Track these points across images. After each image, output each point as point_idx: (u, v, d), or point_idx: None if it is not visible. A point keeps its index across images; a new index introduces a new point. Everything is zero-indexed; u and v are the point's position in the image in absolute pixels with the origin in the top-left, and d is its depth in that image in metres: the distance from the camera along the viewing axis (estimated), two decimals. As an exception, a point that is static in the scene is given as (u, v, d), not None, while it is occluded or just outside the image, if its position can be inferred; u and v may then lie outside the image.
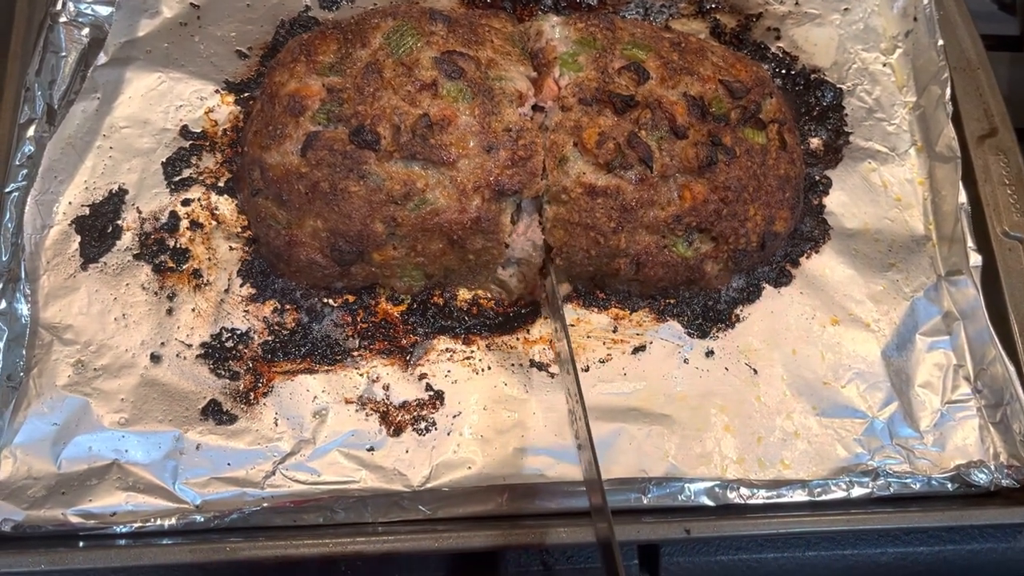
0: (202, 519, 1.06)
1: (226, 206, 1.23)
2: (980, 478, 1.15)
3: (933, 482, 1.15)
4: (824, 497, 1.14)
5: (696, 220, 1.15)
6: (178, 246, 1.20)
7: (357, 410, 1.14)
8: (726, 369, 1.20)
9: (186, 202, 1.22)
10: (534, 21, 1.26)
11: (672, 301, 1.23)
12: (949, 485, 1.15)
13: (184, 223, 1.21)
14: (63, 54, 1.24)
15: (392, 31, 1.16)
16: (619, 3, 1.37)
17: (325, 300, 1.19)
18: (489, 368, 1.17)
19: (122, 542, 1.05)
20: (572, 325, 1.21)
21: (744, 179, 1.17)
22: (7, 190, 1.17)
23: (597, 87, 1.15)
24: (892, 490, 1.14)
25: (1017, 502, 1.14)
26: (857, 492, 1.14)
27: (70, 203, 1.20)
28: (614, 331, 1.21)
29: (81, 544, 1.05)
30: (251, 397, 1.13)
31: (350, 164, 1.11)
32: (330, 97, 1.13)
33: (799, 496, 1.14)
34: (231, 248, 1.21)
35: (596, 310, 1.22)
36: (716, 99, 1.18)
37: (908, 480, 1.15)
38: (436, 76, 1.13)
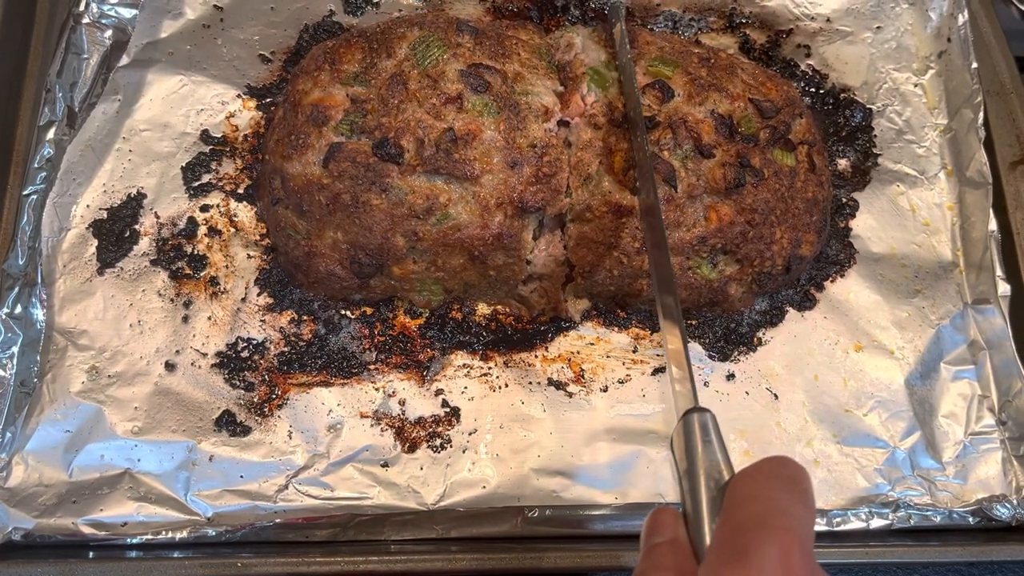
0: (213, 533, 1.05)
1: (245, 213, 1.21)
2: (1002, 513, 1.13)
3: (954, 515, 1.13)
4: (843, 527, 1.12)
5: (722, 242, 1.14)
6: (195, 252, 1.18)
7: (372, 425, 1.12)
8: (747, 393, 1.18)
9: (205, 208, 1.21)
10: (564, 32, 1.24)
11: (694, 323, 1.21)
12: (970, 519, 1.13)
13: (202, 229, 1.20)
14: (85, 56, 1.23)
15: (418, 42, 1.14)
16: (648, 16, 1.35)
17: (343, 312, 1.18)
18: (506, 385, 1.16)
19: (132, 554, 1.04)
20: (591, 344, 1.19)
21: (772, 201, 1.15)
22: (25, 193, 1.16)
23: (624, 107, 1.13)
24: (912, 522, 1.12)
25: (1038, 538, 1.12)
26: (876, 523, 1.12)
27: (88, 206, 1.18)
28: (634, 351, 1.19)
29: (91, 555, 1.04)
30: (266, 409, 1.12)
31: (372, 177, 1.09)
32: (354, 108, 1.12)
33: (818, 526, 1.12)
34: (249, 256, 1.19)
35: (616, 329, 1.20)
36: (745, 118, 1.16)
37: (929, 512, 1.13)
38: (461, 89, 1.11)
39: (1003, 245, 1.23)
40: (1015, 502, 1.13)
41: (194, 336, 1.15)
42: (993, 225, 1.23)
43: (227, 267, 1.18)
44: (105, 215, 1.18)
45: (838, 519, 1.12)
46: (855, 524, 1.12)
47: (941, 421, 1.17)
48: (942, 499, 1.13)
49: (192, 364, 1.13)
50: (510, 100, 1.11)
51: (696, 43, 1.29)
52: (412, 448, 1.11)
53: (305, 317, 1.17)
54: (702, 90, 1.16)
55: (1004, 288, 1.21)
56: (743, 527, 0.63)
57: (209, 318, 1.16)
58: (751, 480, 0.67)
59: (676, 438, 0.76)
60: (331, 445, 1.10)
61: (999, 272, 1.21)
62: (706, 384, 1.18)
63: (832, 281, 1.25)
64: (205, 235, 1.20)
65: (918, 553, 1.10)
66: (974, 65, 1.31)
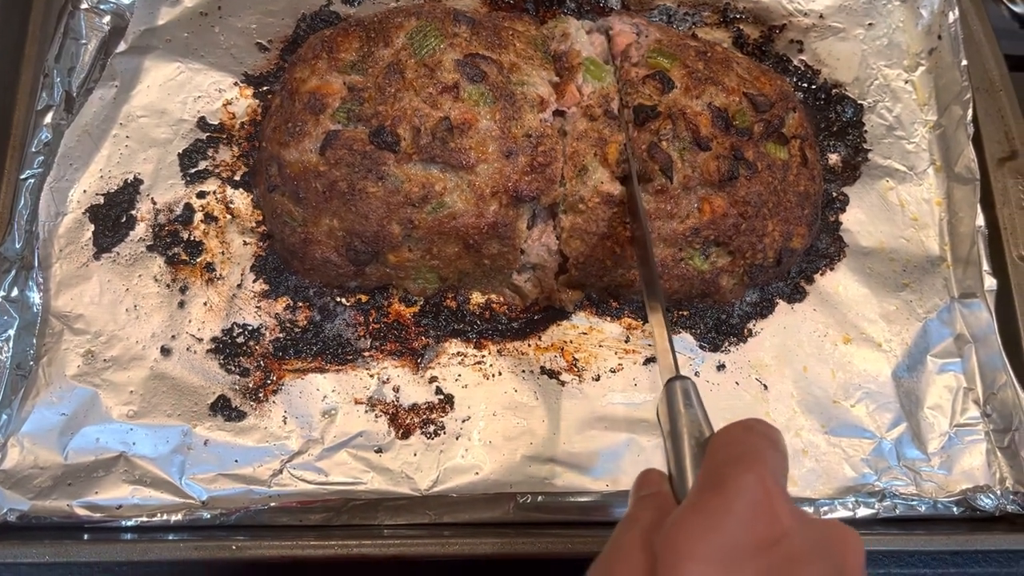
0: (208, 516, 1.06)
1: (241, 200, 1.22)
2: (986, 503, 1.15)
3: (939, 505, 1.15)
4: (830, 516, 1.13)
5: (714, 234, 1.15)
6: (192, 239, 1.19)
7: (367, 411, 1.13)
8: (736, 384, 1.19)
9: (201, 194, 1.21)
10: (559, 22, 1.25)
11: (685, 313, 1.22)
12: (955, 509, 1.15)
13: (199, 216, 1.20)
14: (83, 41, 1.23)
15: (415, 31, 1.15)
16: (643, 9, 1.36)
17: (338, 299, 1.19)
18: (500, 374, 1.17)
19: (127, 536, 1.05)
20: (584, 334, 1.20)
21: (764, 194, 1.16)
22: (23, 177, 1.16)
23: (621, 98, 1.14)
24: (898, 512, 1.14)
25: (1021, 528, 1.14)
26: (863, 513, 1.14)
27: (84, 191, 1.19)
28: (626, 341, 1.20)
29: (86, 537, 1.04)
30: (260, 394, 1.12)
31: (369, 165, 1.10)
32: (351, 96, 1.12)
33: (805, 515, 1.13)
34: (245, 243, 1.20)
35: (609, 319, 1.22)
36: (740, 112, 1.18)
37: (914, 502, 1.15)
38: (458, 79, 1.12)
39: (990, 240, 1.25)
40: (999, 493, 1.15)
41: (190, 321, 1.15)
42: (980, 220, 1.25)
43: (223, 253, 1.19)
44: (102, 200, 1.19)
45: (825, 508, 1.14)
46: (842, 513, 1.14)
47: (927, 413, 1.19)
48: (927, 489, 1.15)
49: (188, 349, 1.14)
50: (506, 90, 1.12)
51: (692, 37, 1.30)
52: (406, 434, 1.12)
53: (300, 304, 1.18)
54: (699, 83, 1.17)
55: (990, 282, 1.22)
56: (721, 464, 0.69)
57: (205, 304, 1.16)
58: (728, 431, 0.74)
59: (660, 405, 0.82)
60: (325, 430, 1.11)
61: (986, 267, 1.23)
62: (697, 374, 1.19)
63: (822, 274, 1.26)
64: (201, 221, 1.20)
65: (904, 541, 1.11)
66: (964, 62, 1.33)
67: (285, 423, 1.11)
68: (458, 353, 1.18)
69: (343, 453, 1.10)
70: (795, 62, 1.38)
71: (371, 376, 1.15)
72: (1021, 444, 1.16)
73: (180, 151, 1.23)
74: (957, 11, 1.36)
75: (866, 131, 1.35)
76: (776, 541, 0.64)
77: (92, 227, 1.18)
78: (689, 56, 1.21)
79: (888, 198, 1.31)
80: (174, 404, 1.11)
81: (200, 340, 1.15)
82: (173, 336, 1.14)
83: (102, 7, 1.25)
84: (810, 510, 1.13)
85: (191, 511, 1.06)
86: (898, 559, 1.16)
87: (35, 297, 1.13)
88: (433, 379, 1.16)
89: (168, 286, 1.17)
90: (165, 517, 1.06)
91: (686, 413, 0.79)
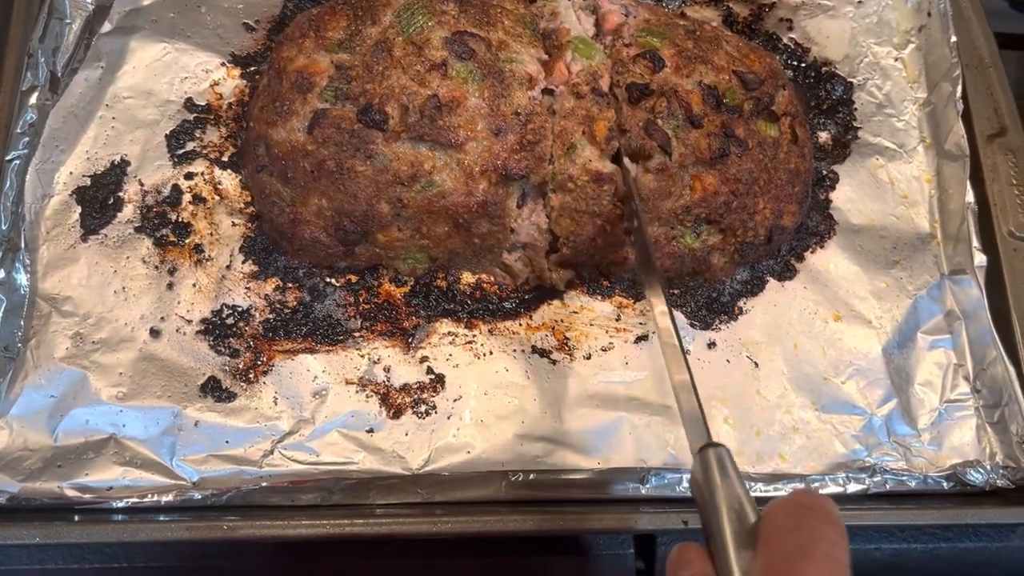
0: (199, 496, 1.06)
1: (230, 181, 1.21)
2: (976, 478, 1.15)
3: (929, 480, 1.15)
4: (821, 492, 1.14)
5: (706, 212, 1.15)
6: (180, 220, 1.18)
7: (357, 391, 1.13)
8: (727, 361, 1.19)
9: (189, 176, 1.21)
10: (548, 1, 1.24)
11: (676, 292, 1.22)
12: (945, 484, 1.15)
13: (187, 197, 1.20)
14: (67, 21, 1.22)
15: (403, 9, 1.14)
16: (632, -12, 1.36)
17: (328, 280, 1.18)
18: (491, 353, 1.17)
19: (118, 517, 1.04)
20: (575, 312, 1.20)
21: (755, 172, 1.16)
22: (8, 158, 1.15)
23: (611, 77, 1.14)
24: (888, 487, 1.14)
25: (1012, 502, 1.14)
26: (853, 488, 1.14)
27: (71, 173, 1.18)
28: (617, 319, 1.20)
29: (76, 518, 1.04)
30: (251, 375, 1.12)
31: (357, 143, 1.09)
32: (338, 74, 1.12)
33: (796, 491, 1.14)
34: (234, 224, 1.19)
35: (600, 298, 1.22)
36: (730, 90, 1.17)
37: (904, 478, 1.15)
38: (446, 56, 1.11)
39: (980, 216, 1.25)
40: (988, 467, 1.15)
41: (179, 303, 1.15)
42: (970, 197, 1.25)
43: (212, 235, 1.18)
44: (88, 182, 1.18)
45: (816, 484, 1.14)
46: (833, 489, 1.14)
47: (917, 389, 1.19)
48: (917, 464, 1.15)
49: (177, 330, 1.14)
50: (494, 67, 1.12)
51: (681, 15, 1.30)
52: (397, 414, 1.12)
53: (290, 284, 1.17)
54: (689, 62, 1.17)
55: (980, 259, 1.23)
56: (789, 555, 0.66)
57: (194, 285, 1.16)
58: (790, 510, 0.71)
59: (694, 473, 0.80)
60: (316, 411, 1.11)
61: (975, 243, 1.23)
62: (687, 352, 1.18)
63: (812, 252, 1.26)
64: (190, 203, 1.20)
65: (895, 516, 1.12)
66: (953, 39, 1.33)
67: (276, 404, 1.11)
68: (449, 333, 1.18)
69: (334, 433, 1.10)
70: (785, 40, 1.38)
71: (362, 356, 1.15)
72: (1011, 419, 1.16)
73: (167, 132, 1.22)
74: (947, -12, 1.36)
75: (856, 109, 1.35)
76: None
77: (79, 209, 1.17)
78: (678, 35, 1.20)
79: (878, 176, 1.31)
80: (164, 386, 1.11)
81: (189, 322, 1.14)
82: (162, 318, 1.14)
83: (87, -14, 1.24)
84: (801, 486, 1.14)
85: (182, 492, 1.06)
86: (888, 534, 1.16)
87: (22, 279, 1.12)
88: (424, 359, 1.15)
89: (156, 267, 1.16)
90: (156, 498, 1.05)
91: (723, 485, 0.76)
